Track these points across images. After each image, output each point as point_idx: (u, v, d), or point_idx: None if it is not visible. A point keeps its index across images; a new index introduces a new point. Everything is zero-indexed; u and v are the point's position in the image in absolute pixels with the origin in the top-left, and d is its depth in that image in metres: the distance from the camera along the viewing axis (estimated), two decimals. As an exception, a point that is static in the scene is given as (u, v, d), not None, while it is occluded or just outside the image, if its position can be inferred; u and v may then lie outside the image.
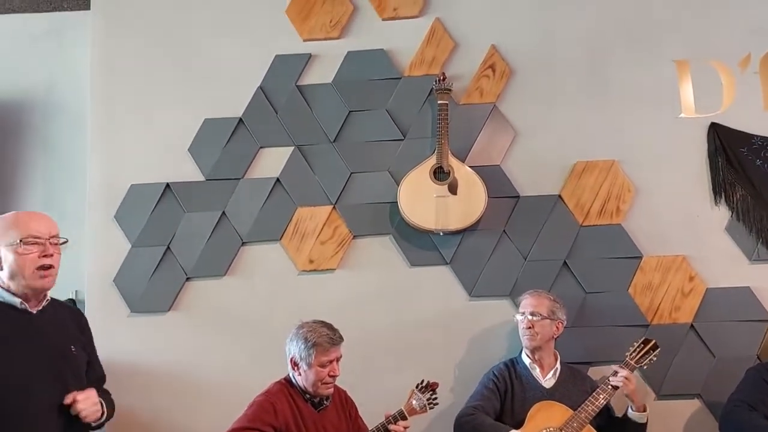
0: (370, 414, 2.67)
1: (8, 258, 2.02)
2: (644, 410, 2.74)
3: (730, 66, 3.16)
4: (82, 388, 2.10)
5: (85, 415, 2.03)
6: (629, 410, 2.75)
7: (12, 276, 2.03)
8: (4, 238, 2.04)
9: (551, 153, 3.17)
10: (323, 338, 2.48)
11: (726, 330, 3.00)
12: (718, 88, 3.15)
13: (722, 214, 3.09)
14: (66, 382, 2.06)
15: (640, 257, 3.08)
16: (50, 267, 2.07)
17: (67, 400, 2.01)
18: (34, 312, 2.08)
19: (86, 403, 2.04)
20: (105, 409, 2.17)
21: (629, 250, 3.08)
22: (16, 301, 2.04)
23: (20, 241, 2.02)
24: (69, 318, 2.23)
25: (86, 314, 3.13)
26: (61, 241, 2.12)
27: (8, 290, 2.04)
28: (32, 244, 2.03)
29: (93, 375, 2.25)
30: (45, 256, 2.05)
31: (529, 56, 3.24)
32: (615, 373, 2.71)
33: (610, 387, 2.69)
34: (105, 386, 2.31)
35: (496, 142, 3.20)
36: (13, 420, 1.95)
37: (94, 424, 2.11)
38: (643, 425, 2.74)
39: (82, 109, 3.42)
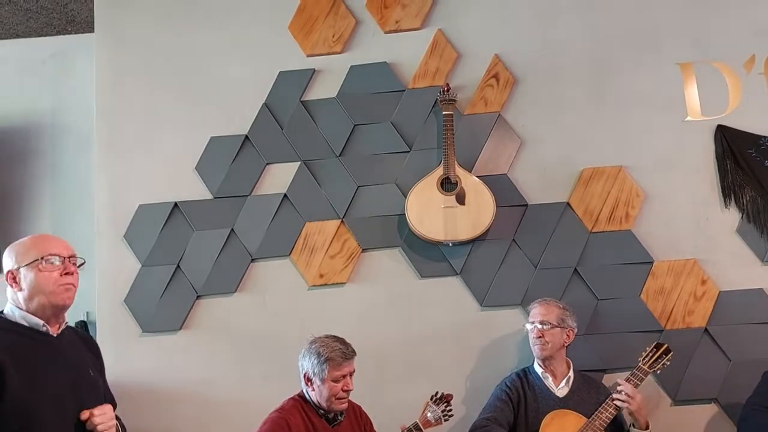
0: (383, 427, 2.67)
1: (28, 277, 2.03)
2: (647, 428, 2.71)
3: (735, 68, 3.15)
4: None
5: (101, 430, 2.04)
6: (631, 427, 2.73)
7: (32, 296, 2.03)
8: (24, 258, 2.04)
9: (558, 160, 3.17)
10: (336, 353, 2.47)
11: (741, 333, 2.97)
12: (723, 90, 3.14)
13: (732, 216, 3.08)
14: (88, 402, 2.07)
15: (651, 262, 3.06)
16: (71, 285, 2.07)
17: (84, 415, 2.02)
18: (55, 335, 2.08)
19: (103, 417, 2.05)
20: (120, 426, 2.17)
21: (640, 256, 3.07)
22: (39, 323, 2.04)
23: (41, 258, 2.03)
24: (83, 344, 2.24)
25: (98, 335, 3.20)
26: (79, 262, 2.12)
27: (29, 312, 2.04)
28: (53, 262, 2.04)
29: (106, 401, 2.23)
30: (66, 274, 2.06)
31: (533, 64, 3.24)
32: (619, 392, 2.69)
33: (614, 405, 2.67)
34: (116, 413, 2.30)
35: (503, 151, 3.20)
36: None
37: None
38: None
39: (88, 132, 3.44)
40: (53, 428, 1.97)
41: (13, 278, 2.04)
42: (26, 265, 2.03)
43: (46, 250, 2.04)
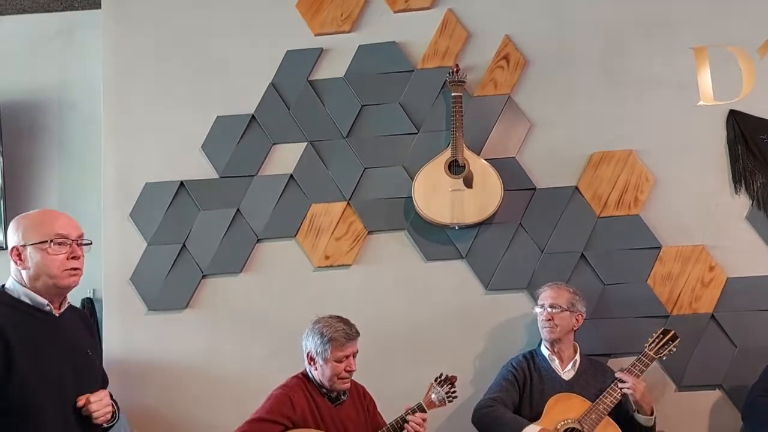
0: (389, 409, 2.66)
1: (35, 257, 1.98)
2: (652, 413, 2.71)
3: (749, 52, 3.10)
4: (98, 390, 2.10)
5: (97, 417, 2.02)
6: (636, 413, 2.73)
7: (38, 276, 1.99)
8: (32, 237, 1.98)
9: (567, 144, 3.14)
10: (339, 333, 2.48)
11: (747, 320, 2.96)
12: (736, 75, 3.10)
13: (742, 202, 3.05)
14: (86, 384, 2.06)
15: (659, 248, 3.04)
16: (77, 268, 2.04)
17: (80, 401, 2.00)
18: (57, 315, 2.06)
19: (99, 404, 2.03)
20: (116, 409, 2.16)
21: (648, 241, 3.05)
22: (44, 303, 2.02)
23: (50, 240, 1.98)
24: (81, 322, 2.22)
25: (104, 313, 3.22)
26: (86, 242, 2.08)
27: (33, 290, 2.01)
28: (61, 244, 1.99)
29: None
30: (73, 258, 2.01)
31: (544, 46, 3.20)
32: (620, 380, 2.68)
33: (619, 392, 2.67)
34: (109, 390, 2.28)
35: (512, 134, 3.17)
36: (43, 421, 1.95)
37: (105, 425, 2.09)
38: (650, 429, 2.71)
39: (95, 109, 3.43)
40: (53, 409, 1.96)
41: (18, 255, 2.00)
42: (33, 244, 1.98)
43: (55, 231, 2.00)
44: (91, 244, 2.09)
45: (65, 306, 2.09)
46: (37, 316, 2.01)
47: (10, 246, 2.01)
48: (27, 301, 2.00)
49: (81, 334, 2.15)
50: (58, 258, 1.99)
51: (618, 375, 2.70)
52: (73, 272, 2.02)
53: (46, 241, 1.98)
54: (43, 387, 1.94)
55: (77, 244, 2.04)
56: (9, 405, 1.90)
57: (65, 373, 2.00)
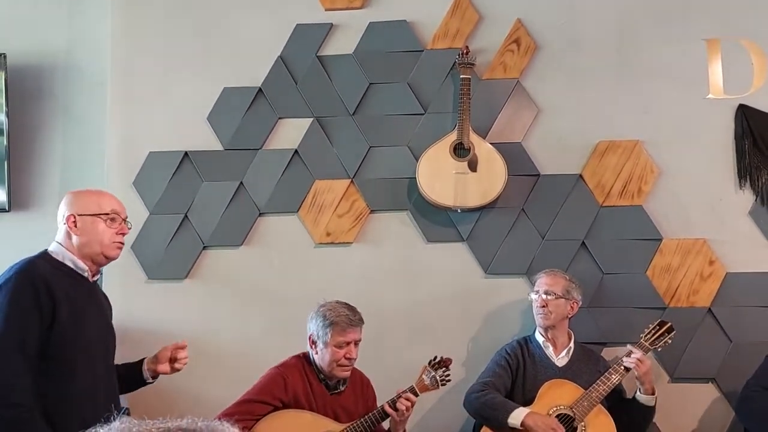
0: (382, 389, 2.69)
1: (90, 226, 2.16)
2: (653, 393, 2.73)
3: (762, 47, 3.07)
4: (114, 356, 2.34)
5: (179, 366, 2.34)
6: (638, 392, 2.75)
7: (89, 243, 2.16)
8: (90, 207, 2.17)
9: (574, 131, 3.12)
10: (341, 318, 2.48)
11: (744, 315, 2.97)
12: (748, 68, 3.07)
13: (746, 198, 3.04)
14: (110, 348, 2.29)
15: (660, 239, 3.04)
16: (123, 243, 2.25)
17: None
18: (92, 281, 2.24)
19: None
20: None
21: (649, 232, 3.05)
22: (85, 268, 2.18)
23: (106, 214, 2.17)
24: (102, 293, 2.41)
25: (104, 280, 3.23)
26: (129, 224, 2.28)
27: (78, 256, 2.18)
28: (114, 220, 2.20)
29: None
30: (121, 233, 2.22)
31: (555, 31, 3.16)
32: (629, 354, 2.70)
33: (622, 368, 2.69)
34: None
35: (518, 119, 3.15)
36: (76, 369, 2.13)
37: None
38: (651, 408, 2.75)
39: (102, 75, 3.40)
40: (84, 360, 2.14)
41: (74, 222, 2.15)
42: (91, 214, 2.16)
43: (111, 206, 2.21)
44: (131, 228, 2.31)
45: (97, 276, 2.28)
46: (77, 279, 2.18)
47: (66, 213, 2.18)
48: (69, 264, 2.17)
49: (106, 301, 2.37)
50: (110, 231, 2.19)
51: (632, 348, 2.70)
52: (120, 245, 2.23)
53: (104, 214, 2.18)
54: (79, 339, 2.13)
55: (125, 224, 2.25)
56: (49, 351, 2.07)
57: (97, 330, 2.21)
